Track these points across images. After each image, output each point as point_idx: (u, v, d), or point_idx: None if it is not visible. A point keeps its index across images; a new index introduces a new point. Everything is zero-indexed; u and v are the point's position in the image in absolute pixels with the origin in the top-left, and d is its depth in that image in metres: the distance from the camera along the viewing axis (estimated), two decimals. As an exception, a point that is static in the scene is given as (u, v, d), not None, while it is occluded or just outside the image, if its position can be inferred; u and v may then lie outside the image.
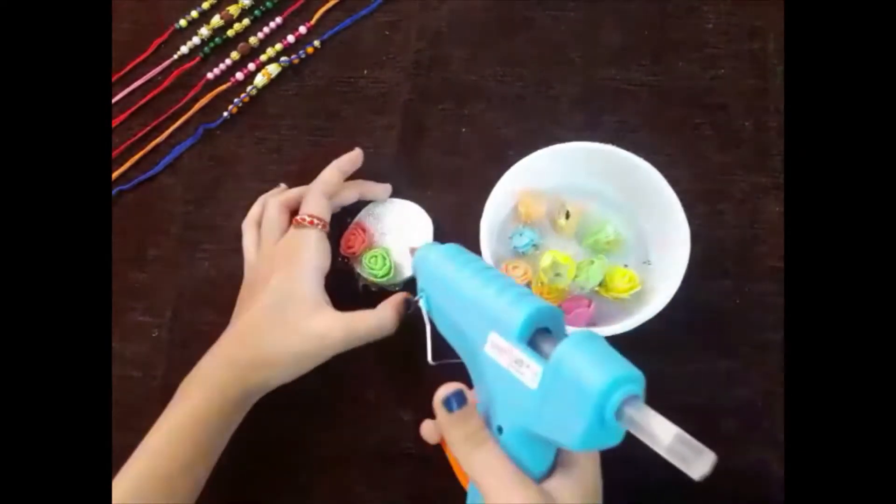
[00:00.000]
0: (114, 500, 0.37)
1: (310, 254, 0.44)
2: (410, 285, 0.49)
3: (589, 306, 0.45)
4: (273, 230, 0.46)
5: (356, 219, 0.51)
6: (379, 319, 0.43)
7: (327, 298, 0.45)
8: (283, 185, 0.51)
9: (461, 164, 0.53)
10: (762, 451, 0.45)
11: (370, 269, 0.48)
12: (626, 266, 0.47)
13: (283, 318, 0.42)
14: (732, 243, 0.50)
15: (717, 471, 0.45)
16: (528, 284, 0.47)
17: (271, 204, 0.48)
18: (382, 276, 0.47)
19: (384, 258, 0.48)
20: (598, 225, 0.47)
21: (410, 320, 0.49)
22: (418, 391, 0.48)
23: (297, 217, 0.45)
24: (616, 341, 0.47)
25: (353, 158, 0.49)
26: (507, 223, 0.49)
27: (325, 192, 0.46)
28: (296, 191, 0.49)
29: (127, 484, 0.38)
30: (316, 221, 0.45)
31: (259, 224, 0.48)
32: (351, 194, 0.48)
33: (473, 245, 0.46)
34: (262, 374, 0.42)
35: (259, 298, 0.43)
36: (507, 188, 0.46)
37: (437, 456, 0.46)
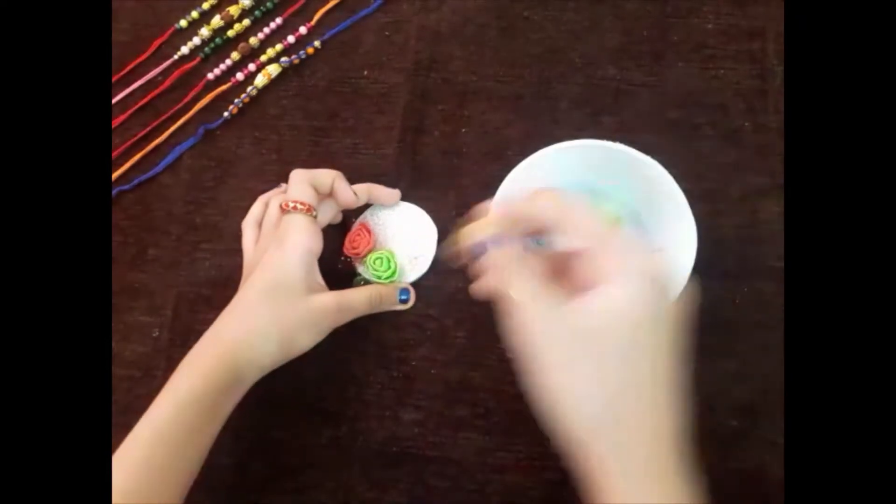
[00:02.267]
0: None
1: (298, 237, 0.44)
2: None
3: None
4: (274, 228, 0.47)
5: (360, 219, 0.51)
6: (371, 292, 0.46)
7: (321, 281, 0.46)
8: (284, 186, 0.51)
9: (461, 164, 0.53)
10: (762, 451, 0.45)
11: (374, 271, 0.48)
12: None
13: (273, 297, 0.43)
14: (732, 243, 0.50)
15: (717, 471, 0.45)
16: None
17: (274, 203, 0.48)
18: (387, 278, 0.47)
19: (389, 260, 0.48)
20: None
21: (410, 317, 0.49)
22: (418, 391, 0.48)
23: (282, 203, 0.46)
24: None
25: (390, 195, 0.50)
26: None
27: (308, 181, 0.46)
28: (320, 174, 0.49)
29: (120, 472, 0.38)
30: (300, 206, 0.45)
31: (259, 223, 0.48)
32: (361, 196, 0.49)
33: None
34: (252, 351, 0.42)
35: (249, 282, 0.44)
36: (512, 186, 0.46)
37: (437, 456, 0.47)
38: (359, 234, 0.49)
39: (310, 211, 0.45)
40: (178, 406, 0.40)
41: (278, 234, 0.45)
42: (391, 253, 0.48)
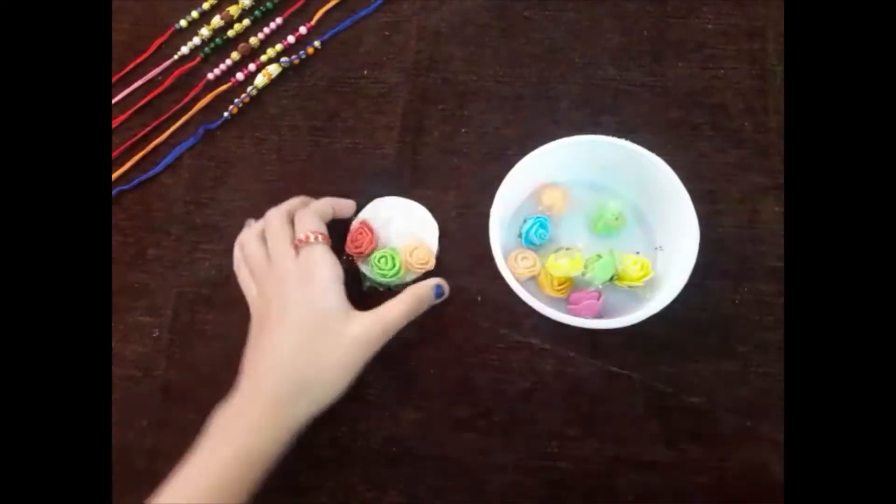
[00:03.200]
0: None
1: (326, 268, 0.44)
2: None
3: (598, 298, 0.45)
4: (282, 241, 0.45)
5: (359, 218, 0.50)
6: (409, 301, 0.45)
7: (350, 305, 0.45)
8: (251, 221, 0.49)
9: (461, 164, 0.53)
10: (762, 451, 0.45)
11: (379, 270, 0.47)
12: (637, 253, 0.47)
13: (319, 337, 0.41)
14: (732, 243, 0.50)
15: (717, 471, 0.45)
16: (536, 276, 0.47)
17: (274, 215, 0.47)
18: (392, 276, 0.47)
19: (393, 258, 0.48)
20: (600, 207, 0.48)
21: (406, 325, 0.49)
22: (418, 391, 0.48)
23: (300, 237, 0.45)
24: (618, 340, 0.47)
25: (348, 206, 0.50)
26: (518, 214, 0.49)
27: (317, 213, 0.47)
28: (293, 202, 0.49)
29: None
30: (320, 237, 0.45)
31: (247, 264, 0.47)
32: (327, 208, 0.48)
33: (476, 243, 0.46)
34: (309, 401, 0.41)
35: (284, 323, 0.42)
36: (516, 181, 0.46)
37: (437, 456, 0.47)
38: (361, 233, 0.49)
39: (326, 241, 0.45)
40: (231, 471, 0.38)
41: (301, 269, 0.43)
42: (395, 250, 0.48)
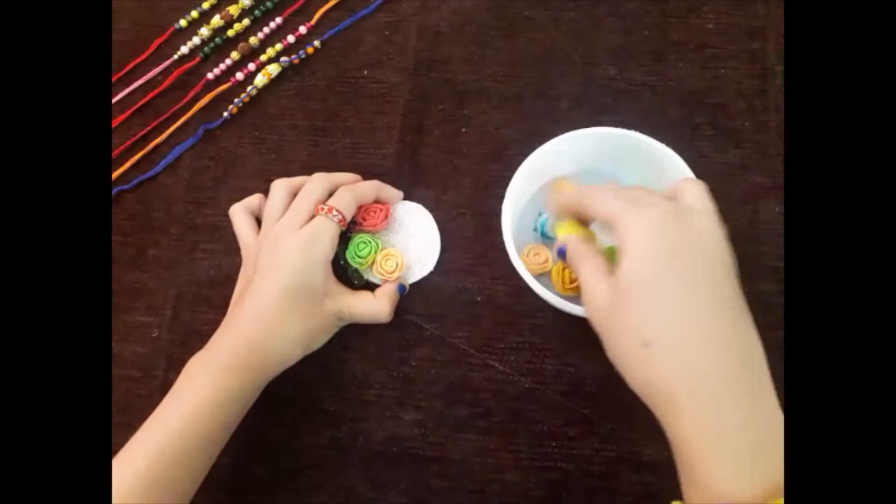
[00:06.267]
0: (134, 472, 0.38)
1: (328, 248, 0.45)
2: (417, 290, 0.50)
3: None
4: (276, 214, 0.47)
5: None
6: (377, 308, 0.47)
7: (334, 279, 0.47)
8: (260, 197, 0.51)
9: (461, 164, 0.53)
10: (762, 451, 0.45)
11: (355, 250, 0.48)
12: None
13: (302, 302, 0.44)
14: (732, 243, 0.50)
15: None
16: (549, 272, 0.47)
17: (278, 189, 0.48)
18: (357, 263, 0.48)
19: (371, 249, 0.48)
20: None
21: (410, 317, 0.49)
22: (418, 391, 0.48)
23: (327, 204, 0.46)
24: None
25: (394, 195, 0.51)
26: (528, 209, 0.49)
27: (357, 196, 0.48)
28: (300, 179, 0.50)
29: (148, 458, 0.39)
30: (341, 218, 0.46)
31: (253, 212, 0.50)
32: (370, 194, 0.49)
33: (477, 243, 0.46)
34: (283, 356, 0.45)
35: (274, 280, 0.44)
36: (528, 173, 0.46)
37: (437, 456, 0.47)
38: (374, 210, 0.49)
39: (343, 224, 0.46)
40: (206, 406, 0.41)
41: (309, 235, 0.45)
42: (398, 253, 0.49)
